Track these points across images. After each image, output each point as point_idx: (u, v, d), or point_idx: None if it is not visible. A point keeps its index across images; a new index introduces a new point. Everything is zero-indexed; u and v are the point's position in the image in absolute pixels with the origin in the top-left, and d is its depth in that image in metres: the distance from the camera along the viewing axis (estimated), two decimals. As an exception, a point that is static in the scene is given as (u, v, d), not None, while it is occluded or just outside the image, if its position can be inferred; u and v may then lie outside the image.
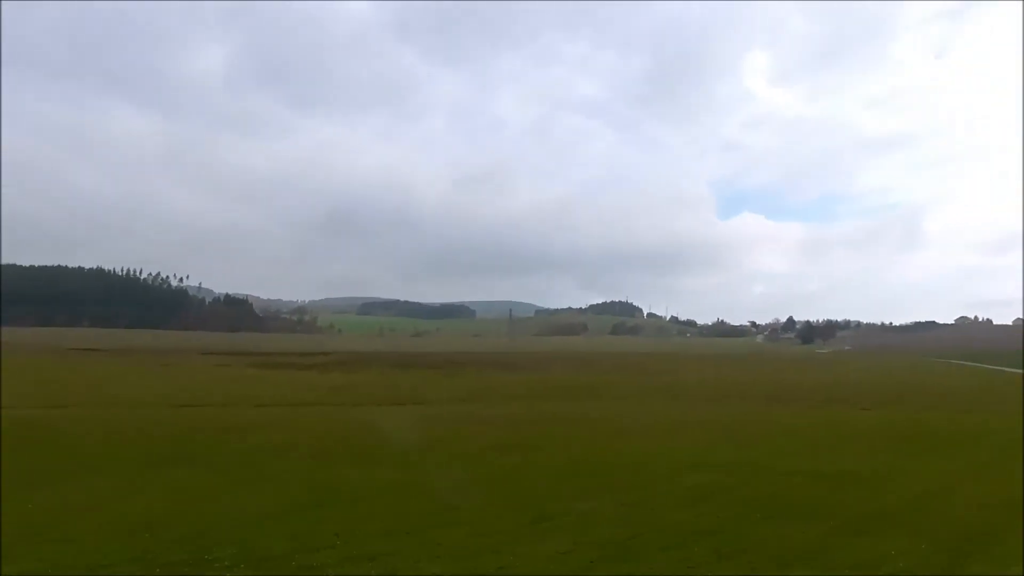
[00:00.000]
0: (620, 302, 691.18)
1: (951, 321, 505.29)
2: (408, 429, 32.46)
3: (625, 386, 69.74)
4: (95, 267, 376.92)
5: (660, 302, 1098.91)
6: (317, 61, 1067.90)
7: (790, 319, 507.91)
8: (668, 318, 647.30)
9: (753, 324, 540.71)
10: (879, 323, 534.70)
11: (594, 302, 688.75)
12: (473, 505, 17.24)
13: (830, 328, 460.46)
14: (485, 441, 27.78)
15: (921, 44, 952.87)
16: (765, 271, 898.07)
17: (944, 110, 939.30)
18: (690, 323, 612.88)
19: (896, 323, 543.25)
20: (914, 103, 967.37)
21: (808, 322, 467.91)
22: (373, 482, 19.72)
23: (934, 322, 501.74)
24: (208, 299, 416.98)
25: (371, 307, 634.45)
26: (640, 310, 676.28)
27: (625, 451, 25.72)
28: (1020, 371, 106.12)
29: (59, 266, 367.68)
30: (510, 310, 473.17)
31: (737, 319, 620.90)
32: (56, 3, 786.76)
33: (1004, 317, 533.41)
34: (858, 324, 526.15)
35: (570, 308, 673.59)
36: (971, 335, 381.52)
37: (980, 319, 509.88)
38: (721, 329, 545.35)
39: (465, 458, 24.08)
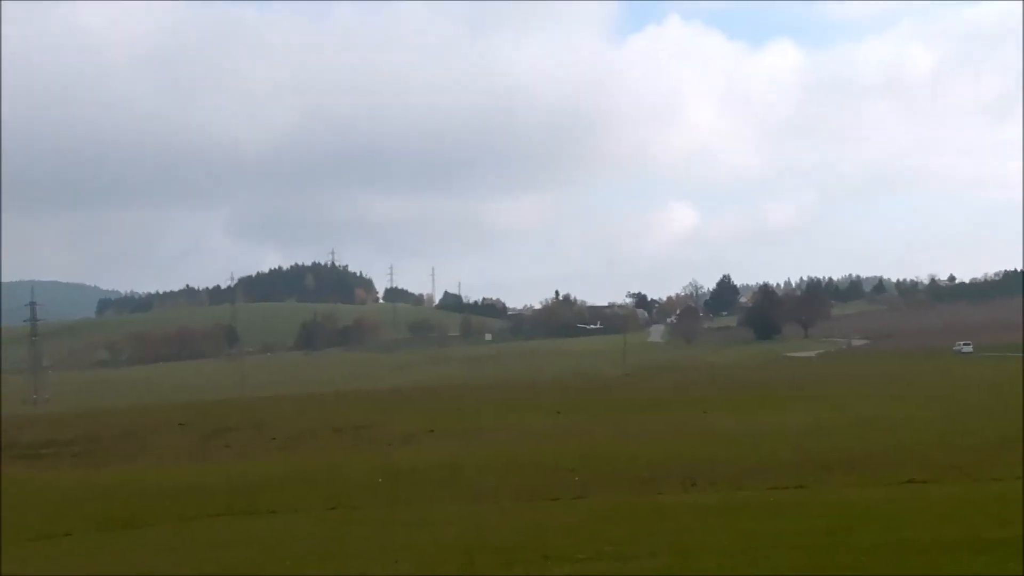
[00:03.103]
0: (321, 266, 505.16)
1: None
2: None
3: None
4: None
5: (418, 263, 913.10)
6: None
7: (725, 283, 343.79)
8: (437, 299, 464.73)
9: (641, 301, 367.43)
10: (926, 279, 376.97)
11: (260, 268, 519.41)
12: None
13: (815, 300, 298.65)
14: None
15: None
16: (688, 169, 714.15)
17: None
18: (492, 308, 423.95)
19: (964, 277, 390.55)
20: None
21: (767, 288, 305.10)
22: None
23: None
24: None
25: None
26: (368, 283, 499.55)
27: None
28: None
29: None
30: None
31: (609, 289, 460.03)
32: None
33: None
34: (881, 286, 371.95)
35: (191, 288, 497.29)
36: None
37: None
38: (565, 319, 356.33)
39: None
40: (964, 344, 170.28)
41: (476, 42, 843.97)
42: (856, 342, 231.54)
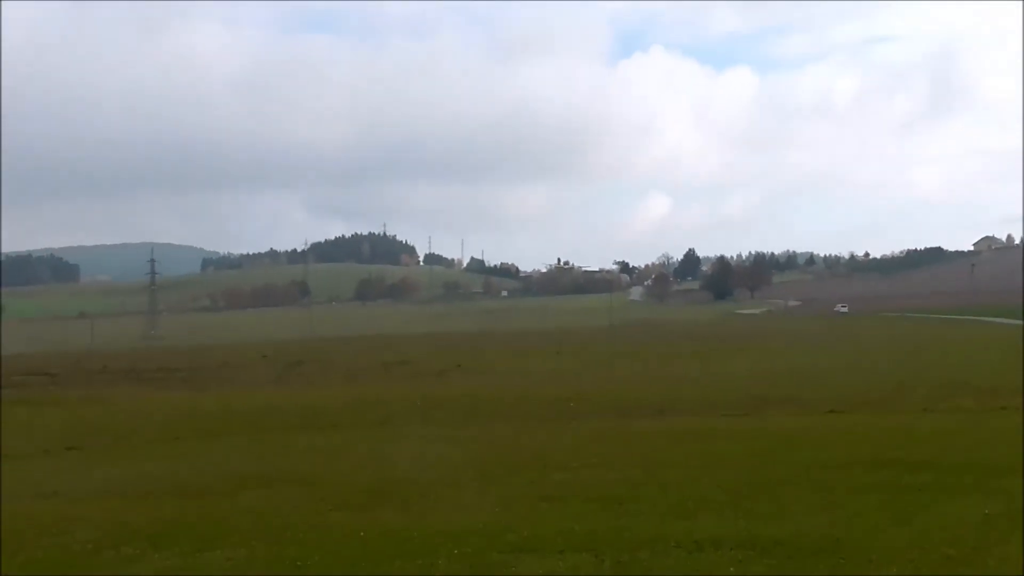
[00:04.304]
0: (375, 235, 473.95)
1: (969, 247, 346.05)
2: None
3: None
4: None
5: (450, 235, 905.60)
6: None
7: (690, 255, 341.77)
8: (465, 263, 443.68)
9: (624, 268, 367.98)
10: (846, 255, 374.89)
11: (328, 236, 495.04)
12: None
13: (760, 270, 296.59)
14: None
15: None
16: (664, 166, 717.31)
17: None
18: (508, 271, 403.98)
19: (876, 254, 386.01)
20: None
21: (723, 260, 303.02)
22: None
23: (940, 249, 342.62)
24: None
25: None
26: (411, 249, 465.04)
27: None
28: None
29: None
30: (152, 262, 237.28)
31: (599, 258, 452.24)
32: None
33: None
34: (812, 260, 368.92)
35: (274, 251, 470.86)
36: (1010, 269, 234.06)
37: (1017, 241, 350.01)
38: (564, 281, 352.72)
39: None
40: (841, 306, 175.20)
41: (497, 66, 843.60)
42: (791, 303, 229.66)
